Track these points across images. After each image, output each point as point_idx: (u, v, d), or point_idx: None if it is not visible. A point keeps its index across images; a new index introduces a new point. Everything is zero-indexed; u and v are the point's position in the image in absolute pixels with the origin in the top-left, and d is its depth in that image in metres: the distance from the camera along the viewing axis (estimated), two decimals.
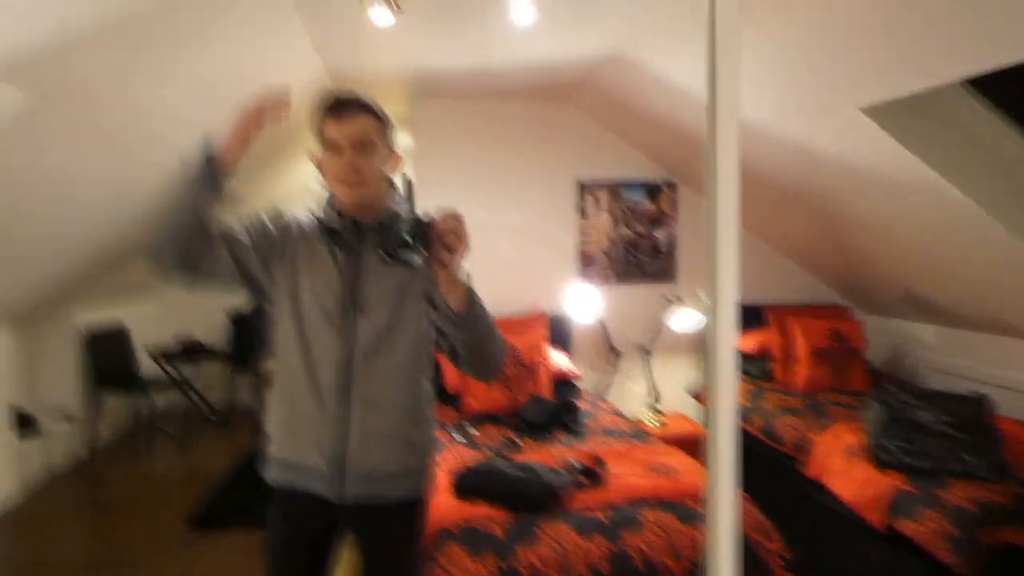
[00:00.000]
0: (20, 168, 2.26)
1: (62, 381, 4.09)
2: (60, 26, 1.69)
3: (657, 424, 3.60)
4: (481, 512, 1.95)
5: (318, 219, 1.40)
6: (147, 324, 4.98)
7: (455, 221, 1.18)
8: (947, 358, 3.28)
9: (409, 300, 1.36)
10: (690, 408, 3.92)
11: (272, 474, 1.41)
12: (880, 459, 2.24)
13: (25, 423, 3.66)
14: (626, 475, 2.20)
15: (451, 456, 2.55)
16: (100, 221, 3.12)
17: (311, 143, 1.37)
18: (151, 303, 5.21)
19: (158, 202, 3.31)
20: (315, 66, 3.02)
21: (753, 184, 3.29)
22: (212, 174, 1.24)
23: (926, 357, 3.40)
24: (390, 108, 1.36)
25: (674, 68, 2.74)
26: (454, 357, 1.37)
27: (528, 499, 1.95)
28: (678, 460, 2.35)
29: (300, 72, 3.04)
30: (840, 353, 3.23)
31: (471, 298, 1.26)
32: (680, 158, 3.73)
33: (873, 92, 2.06)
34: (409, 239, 1.18)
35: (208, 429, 4.91)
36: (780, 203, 3.31)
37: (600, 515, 1.91)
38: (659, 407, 3.75)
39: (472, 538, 1.83)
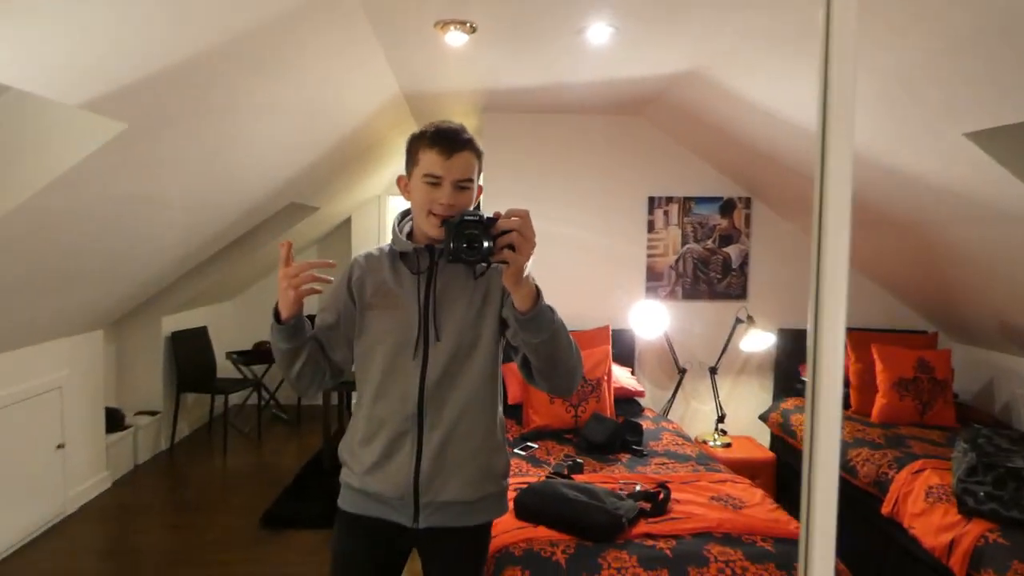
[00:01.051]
0: (118, 190, 2.44)
1: (148, 380, 4.38)
2: (151, 60, 1.82)
3: (721, 445, 3.53)
4: (543, 535, 1.97)
5: (391, 249, 1.42)
6: (224, 327, 5.28)
7: (521, 219, 1.16)
8: None
9: (483, 322, 1.35)
10: (757, 431, 3.81)
11: (347, 501, 1.42)
12: (966, 504, 2.11)
13: (113, 418, 3.95)
14: (691, 504, 2.17)
15: (511, 471, 2.59)
16: (186, 235, 3.34)
17: (404, 168, 1.39)
18: (228, 306, 5.51)
19: (237, 217, 3.55)
20: (390, 84, 3.12)
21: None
22: (286, 333, 1.32)
23: (1021, 393, 3.18)
24: (461, 122, 1.39)
25: (750, 84, 2.68)
26: (527, 370, 1.33)
27: (592, 526, 1.95)
28: (745, 491, 2.30)
29: (376, 92, 3.15)
30: (925, 384, 3.06)
31: (538, 297, 1.21)
32: (754, 174, 3.64)
33: (979, 119, 1.96)
34: (475, 236, 1.14)
35: (278, 427, 5.16)
36: (869, 224, 3.18)
37: (664, 547, 1.89)
38: (724, 428, 3.67)
39: (534, 563, 1.85)
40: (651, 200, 3.84)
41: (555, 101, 3.51)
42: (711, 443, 3.55)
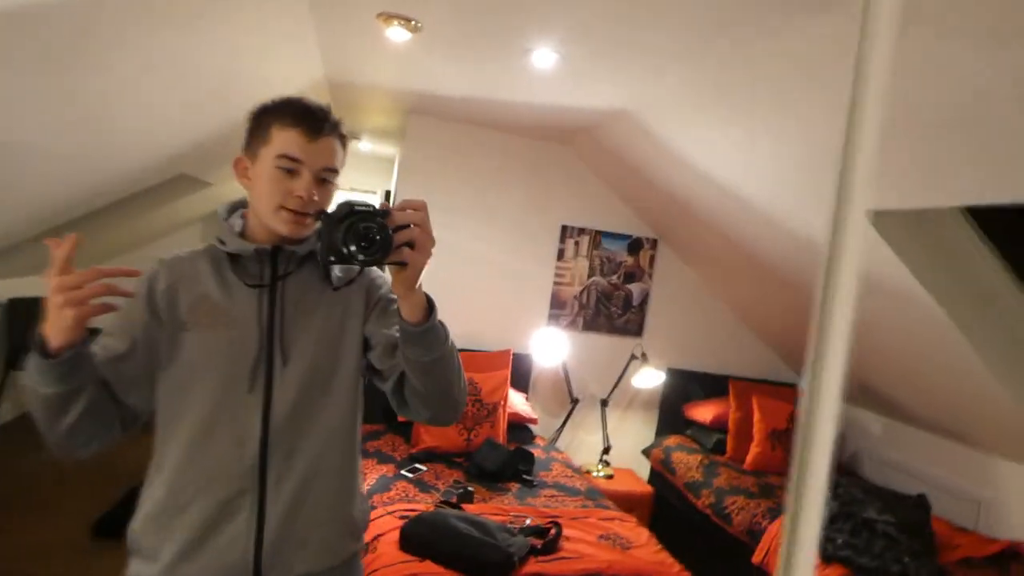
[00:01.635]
0: None
1: None
2: None
3: (604, 476, 3.59)
4: (431, 571, 1.86)
5: (213, 251, 1.10)
6: None
7: (419, 211, 0.95)
8: (888, 450, 3.40)
9: (344, 341, 1.10)
10: (639, 465, 3.92)
11: None
12: (826, 551, 2.27)
13: None
14: (580, 543, 2.15)
15: (397, 495, 2.45)
16: (50, 189, 2.91)
17: (251, 152, 1.09)
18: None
19: (116, 177, 3.14)
20: (315, 68, 2.91)
21: (743, 260, 3.35)
22: (57, 372, 0.90)
23: (869, 447, 3.51)
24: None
25: (674, 132, 2.77)
26: (400, 397, 1.09)
27: (483, 564, 1.87)
28: (632, 530, 2.32)
29: (298, 73, 2.93)
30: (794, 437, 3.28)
31: (431, 309, 1.00)
32: (664, 218, 3.77)
33: (884, 197, 2.12)
34: (371, 231, 0.91)
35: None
36: (760, 279, 3.38)
37: None
38: (608, 460, 3.74)
39: None
40: (564, 228, 3.87)
41: (486, 116, 3.45)
42: (595, 473, 3.60)
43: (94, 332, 0.96)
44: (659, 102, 2.63)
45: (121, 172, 3.13)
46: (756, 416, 3.36)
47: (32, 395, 0.94)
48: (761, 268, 3.26)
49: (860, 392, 3.43)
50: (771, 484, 3.05)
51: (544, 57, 2.40)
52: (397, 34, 2.31)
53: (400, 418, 3.08)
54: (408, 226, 0.93)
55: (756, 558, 2.51)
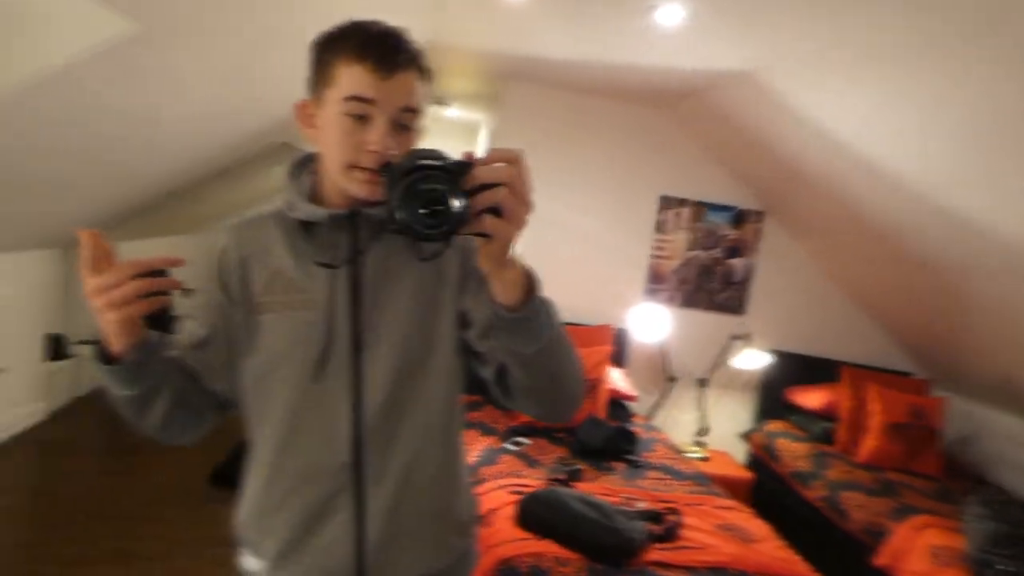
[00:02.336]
0: (112, 100, 2.12)
1: None
2: None
3: (699, 458, 3.47)
4: (550, 552, 1.82)
5: (283, 216, 0.95)
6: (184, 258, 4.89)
7: (511, 165, 0.71)
8: None
9: (439, 319, 0.94)
10: (736, 448, 3.77)
11: None
12: (983, 574, 2.05)
13: (57, 345, 3.59)
14: (699, 532, 2.06)
15: (505, 469, 2.43)
16: (171, 159, 3.00)
17: (315, 96, 0.90)
18: (186, 240, 5.11)
19: (229, 145, 3.20)
20: (417, 31, 2.83)
21: (867, 237, 3.10)
22: (123, 376, 0.83)
23: (1008, 453, 3.21)
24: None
25: (802, 95, 2.55)
26: (505, 388, 0.91)
27: (605, 549, 1.82)
28: (750, 523, 2.21)
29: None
30: (916, 432, 3.04)
31: (531, 287, 0.80)
32: (774, 188, 3.53)
33: None
34: (440, 194, 0.69)
35: None
36: (887, 260, 3.12)
37: None
38: (704, 441, 3.62)
39: None
40: (663, 199, 3.69)
41: (587, 80, 3.30)
42: (689, 455, 3.49)
43: (173, 319, 0.84)
44: (790, 62, 2.41)
45: (236, 138, 3.19)
46: (873, 407, 3.14)
47: (115, 400, 0.87)
48: (890, 247, 3.00)
49: (1006, 391, 3.12)
50: (891, 481, 2.84)
51: (670, 14, 2.24)
52: None
53: None
54: (496, 186, 0.70)
55: (881, 560, 2.35)
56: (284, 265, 0.92)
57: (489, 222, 0.70)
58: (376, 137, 0.84)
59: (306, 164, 0.98)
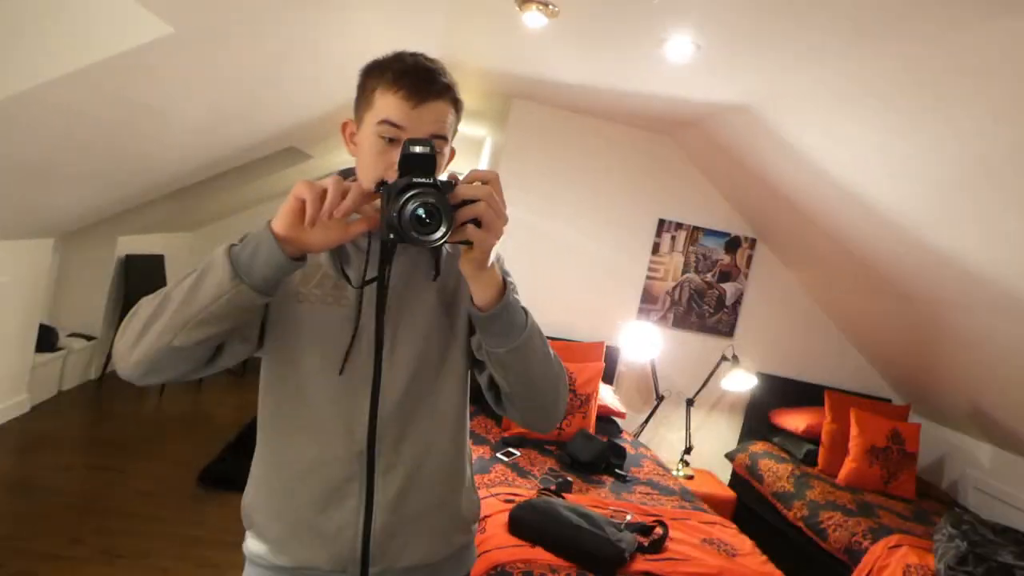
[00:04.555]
0: (136, 96, 2.19)
1: (90, 301, 4.05)
2: None
3: (684, 477, 3.56)
4: (542, 559, 1.89)
5: None
6: (179, 258, 4.93)
7: (489, 183, 0.85)
8: (997, 482, 3.24)
9: (453, 326, 1.04)
10: (720, 468, 3.87)
11: None
12: None
13: (45, 337, 3.60)
14: (684, 545, 2.14)
15: (496, 477, 2.50)
16: (183, 157, 3.06)
17: (358, 117, 0.98)
18: (186, 237, 5.15)
19: (239, 148, 3.27)
20: (431, 46, 2.93)
21: (855, 267, 3.23)
22: (273, 279, 0.85)
23: (975, 476, 3.36)
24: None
25: (802, 130, 2.67)
26: (495, 395, 1.03)
27: (595, 556, 1.89)
28: (735, 538, 2.30)
29: (413, 47, 2.97)
30: (894, 455, 3.17)
31: (505, 291, 0.91)
32: (766, 216, 3.67)
33: None
34: (432, 207, 0.81)
35: (221, 375, 4.85)
36: (871, 291, 3.25)
37: None
38: (688, 460, 3.71)
39: None
40: (661, 222, 3.81)
41: (593, 104, 3.42)
42: (674, 472, 3.58)
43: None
44: (790, 97, 2.54)
45: (248, 142, 3.26)
46: (853, 430, 3.25)
47: (202, 301, 0.83)
48: (875, 278, 3.13)
49: (973, 418, 3.27)
50: (869, 502, 2.95)
51: (680, 47, 2.35)
52: (533, 19, 2.30)
53: None
54: (476, 201, 0.83)
55: None
56: (322, 260, 1.00)
57: (471, 231, 0.83)
58: None
59: (347, 177, 1.02)
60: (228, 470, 3.22)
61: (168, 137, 2.69)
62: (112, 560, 2.43)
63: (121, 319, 4.05)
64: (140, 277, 4.21)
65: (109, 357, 4.17)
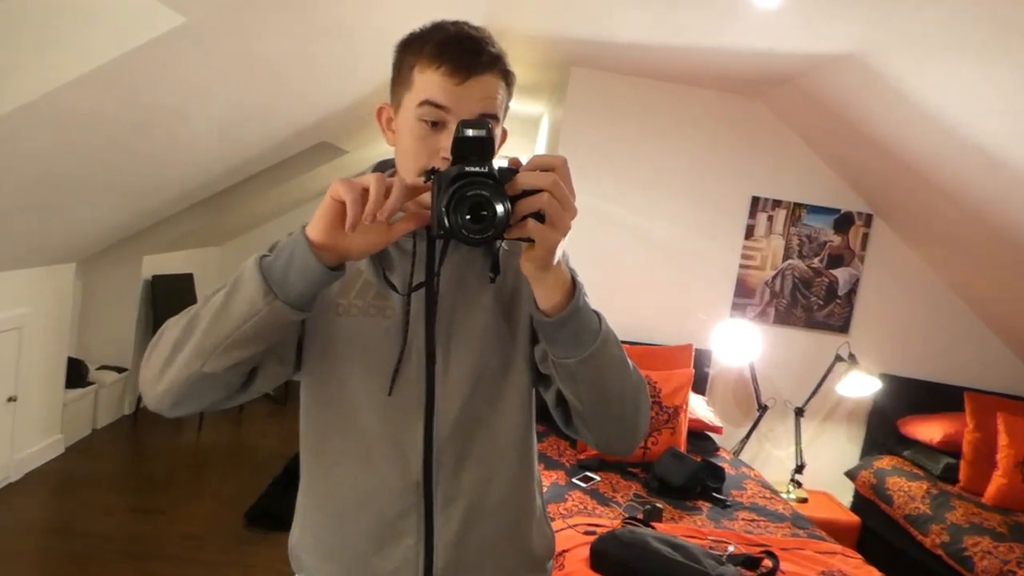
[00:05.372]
0: (151, 96, 2.39)
1: (119, 330, 4.38)
2: None
3: (796, 500, 3.56)
4: None
5: None
6: (209, 276, 5.27)
7: (555, 171, 0.84)
8: None
9: (515, 336, 1.05)
10: (839, 489, 3.85)
11: None
12: None
13: (75, 372, 3.92)
14: None
15: (574, 507, 2.60)
16: (208, 161, 3.30)
17: (395, 100, 1.00)
18: (215, 252, 5.50)
19: (268, 147, 3.50)
20: (474, 13, 3.04)
21: (998, 245, 3.16)
22: (312, 291, 0.86)
23: None
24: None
25: (920, 81, 2.63)
26: (563, 413, 1.04)
27: None
28: (860, 570, 2.32)
29: (456, 16, 3.09)
30: None
31: (574, 293, 0.91)
32: (884, 188, 3.62)
33: None
34: (485, 200, 0.81)
35: (262, 404, 5.10)
36: (1013, 270, 3.17)
37: None
38: (800, 480, 3.71)
39: None
40: (754, 200, 3.82)
41: (665, 66, 3.46)
42: (784, 495, 3.58)
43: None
44: (900, 43, 2.51)
45: (277, 138, 3.48)
46: (1002, 439, 3.20)
47: (234, 319, 0.85)
48: (1021, 253, 3.06)
49: None
50: (1023, 524, 2.90)
51: None
52: None
53: None
54: (539, 192, 0.82)
55: None
56: (363, 268, 1.02)
57: (532, 227, 0.82)
58: (449, 143, 0.88)
59: (385, 170, 1.06)
60: (276, 507, 3.45)
61: (189, 140, 2.91)
62: None
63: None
64: (168, 299, 4.53)
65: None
